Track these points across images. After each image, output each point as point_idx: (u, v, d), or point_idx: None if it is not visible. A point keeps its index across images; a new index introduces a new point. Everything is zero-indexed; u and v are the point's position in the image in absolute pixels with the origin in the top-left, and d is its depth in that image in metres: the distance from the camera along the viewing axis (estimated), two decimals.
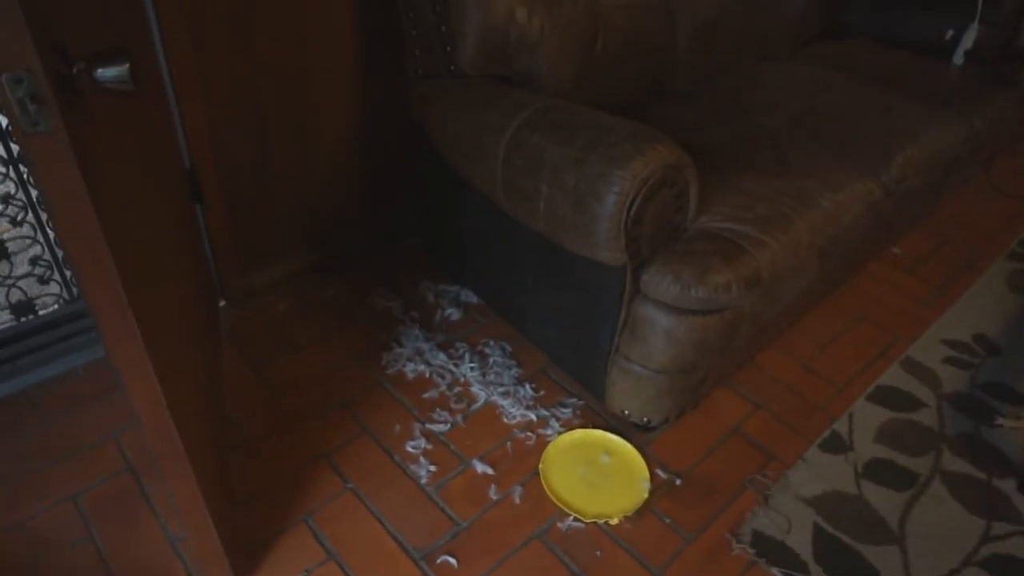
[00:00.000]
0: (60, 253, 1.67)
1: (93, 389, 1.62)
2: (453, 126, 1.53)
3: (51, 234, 1.64)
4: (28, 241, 1.64)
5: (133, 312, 0.87)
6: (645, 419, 1.51)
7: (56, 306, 1.70)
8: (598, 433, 1.59)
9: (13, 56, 0.66)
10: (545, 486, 1.48)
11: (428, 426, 1.59)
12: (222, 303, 1.89)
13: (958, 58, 2.29)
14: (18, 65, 0.67)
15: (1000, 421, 1.70)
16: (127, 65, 0.76)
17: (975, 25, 2.25)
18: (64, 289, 1.71)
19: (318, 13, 1.69)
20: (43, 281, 1.69)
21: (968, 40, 2.27)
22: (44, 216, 1.62)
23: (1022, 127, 2.80)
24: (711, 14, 1.99)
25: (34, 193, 1.58)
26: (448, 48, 1.60)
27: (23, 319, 1.67)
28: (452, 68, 1.61)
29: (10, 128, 0.73)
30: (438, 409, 1.63)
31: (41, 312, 1.69)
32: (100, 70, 0.77)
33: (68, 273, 1.70)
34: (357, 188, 2.02)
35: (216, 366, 1.62)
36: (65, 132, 0.71)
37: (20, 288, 1.65)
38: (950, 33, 2.32)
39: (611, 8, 1.74)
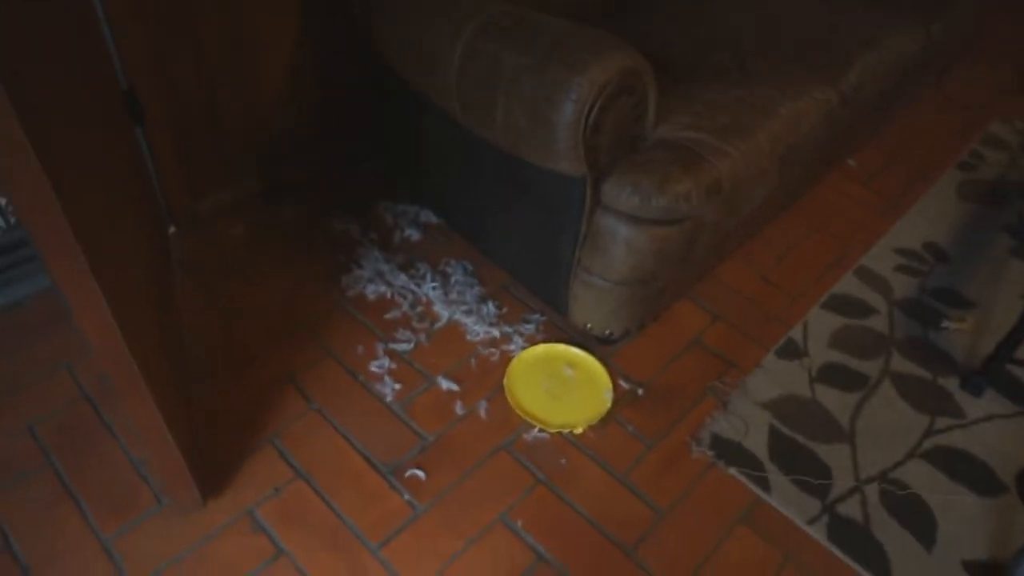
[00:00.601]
0: None
1: (41, 319, 1.57)
2: (403, 36, 1.47)
3: None
4: None
5: (75, 233, 0.83)
6: (607, 331, 1.53)
7: None
8: (561, 347, 1.61)
9: None
10: (510, 399, 1.50)
11: (391, 346, 1.59)
12: (172, 229, 1.83)
13: None
14: None
15: (945, 324, 1.76)
16: None
17: None
18: (2, 217, 1.63)
19: None
20: None
21: None
22: None
23: (976, 36, 2.81)
24: None
25: None
26: None
27: None
28: None
29: None
30: (401, 329, 1.63)
31: None
32: None
33: (3, 200, 1.62)
34: (309, 108, 1.94)
35: (169, 293, 1.58)
36: None
37: None
38: None
39: None
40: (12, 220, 1.64)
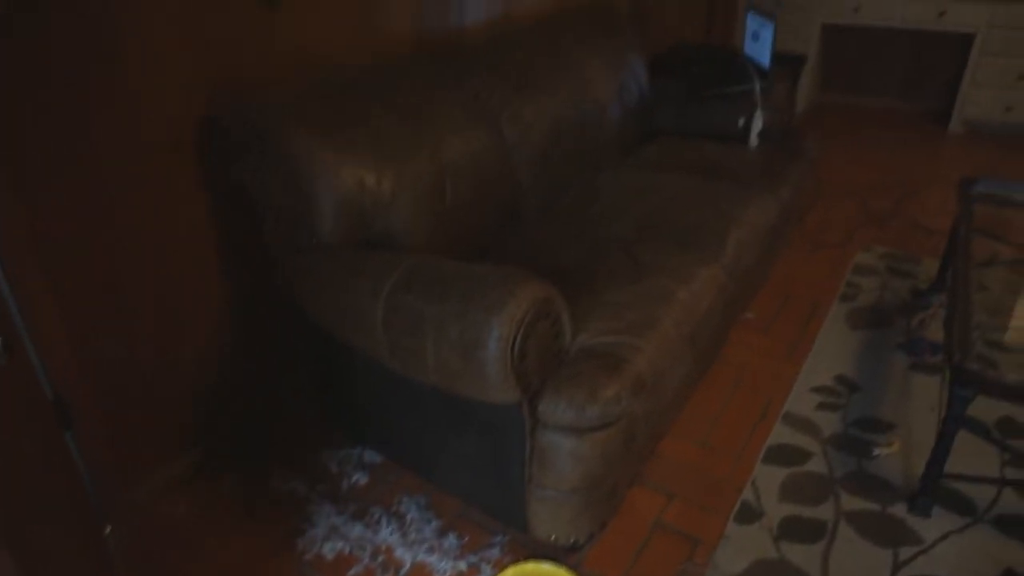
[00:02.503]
0: None
1: None
2: (326, 298, 1.57)
3: None
4: None
5: None
6: (572, 539, 1.54)
7: None
8: (530, 565, 1.59)
9: None
10: None
11: None
12: (108, 529, 1.75)
13: (753, 141, 2.64)
14: None
15: (876, 452, 1.87)
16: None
17: (759, 112, 2.62)
18: None
19: (175, 216, 1.70)
20: None
21: (758, 124, 2.62)
22: None
23: (817, 187, 3.23)
24: (544, 144, 2.19)
25: None
26: (307, 223, 1.65)
27: None
28: (315, 241, 1.66)
29: None
30: None
31: None
32: None
33: None
34: (238, 370, 1.98)
35: None
36: None
37: None
38: (741, 121, 2.68)
39: (454, 160, 1.87)
40: None
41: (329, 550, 1.65)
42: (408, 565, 1.61)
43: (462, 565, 1.60)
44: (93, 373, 1.64)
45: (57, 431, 1.58)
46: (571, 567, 1.58)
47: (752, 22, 2.99)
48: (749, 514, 1.71)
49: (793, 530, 1.67)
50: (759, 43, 2.91)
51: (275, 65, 1.83)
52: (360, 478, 1.84)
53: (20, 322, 1.48)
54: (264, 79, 1.81)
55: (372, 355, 1.53)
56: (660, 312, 1.62)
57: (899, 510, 1.71)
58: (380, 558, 1.63)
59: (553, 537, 1.54)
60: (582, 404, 1.35)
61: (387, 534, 1.67)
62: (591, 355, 1.46)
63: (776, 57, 2.86)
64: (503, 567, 1.59)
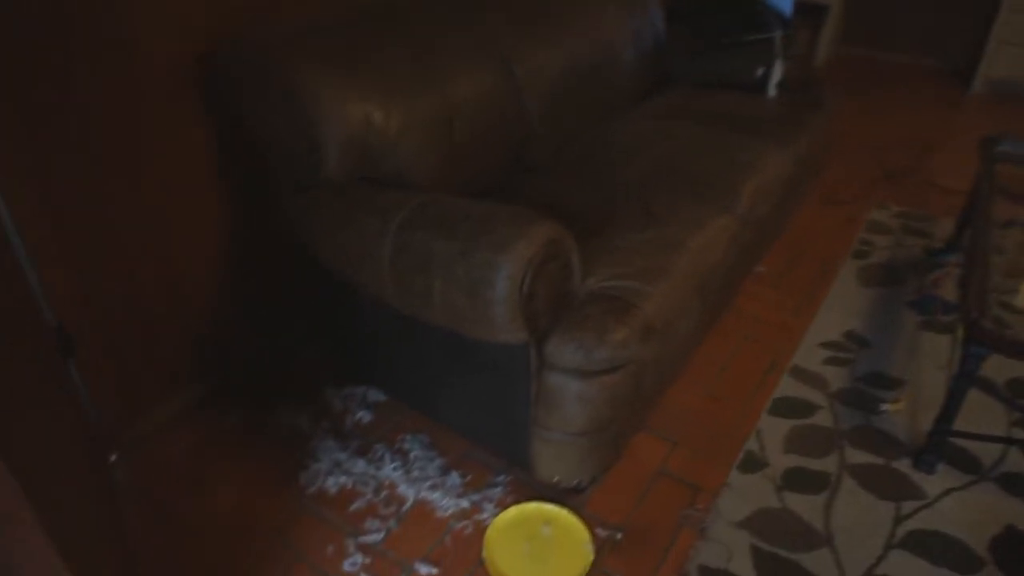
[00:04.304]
0: None
1: None
2: (331, 237, 1.54)
3: None
4: None
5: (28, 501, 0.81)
6: (576, 482, 1.54)
7: None
8: (533, 506, 1.60)
9: None
10: (493, 572, 1.46)
11: (361, 539, 1.54)
12: (113, 457, 1.76)
13: (772, 91, 2.56)
14: None
15: (883, 407, 1.86)
16: None
17: (779, 61, 2.54)
18: None
19: (177, 144, 1.66)
20: None
21: (777, 74, 2.55)
22: None
23: (838, 138, 3.15)
24: (555, 86, 2.13)
25: None
26: (312, 160, 1.61)
27: None
28: (320, 178, 1.62)
29: None
30: (368, 519, 1.59)
31: None
32: None
33: None
34: (241, 304, 1.96)
35: (119, 527, 1.50)
36: None
37: None
38: (760, 71, 2.60)
39: (462, 98, 1.82)
40: None
41: (332, 484, 1.66)
42: (411, 501, 1.62)
43: (464, 503, 1.60)
44: (95, 307, 1.62)
45: (58, 358, 1.57)
46: (573, 509, 1.58)
47: None
48: (753, 464, 1.71)
49: (796, 481, 1.66)
50: None
51: None
52: (364, 416, 1.84)
53: (21, 249, 1.46)
54: (267, 12, 1.75)
55: (378, 294, 1.51)
56: (671, 260, 1.59)
57: (903, 465, 1.70)
58: (383, 494, 1.64)
59: (556, 479, 1.54)
60: (590, 347, 1.33)
61: (390, 471, 1.68)
62: (600, 299, 1.44)
63: (798, 6, 2.77)
64: (506, 506, 1.60)
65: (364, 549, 1.52)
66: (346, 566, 1.49)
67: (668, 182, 1.91)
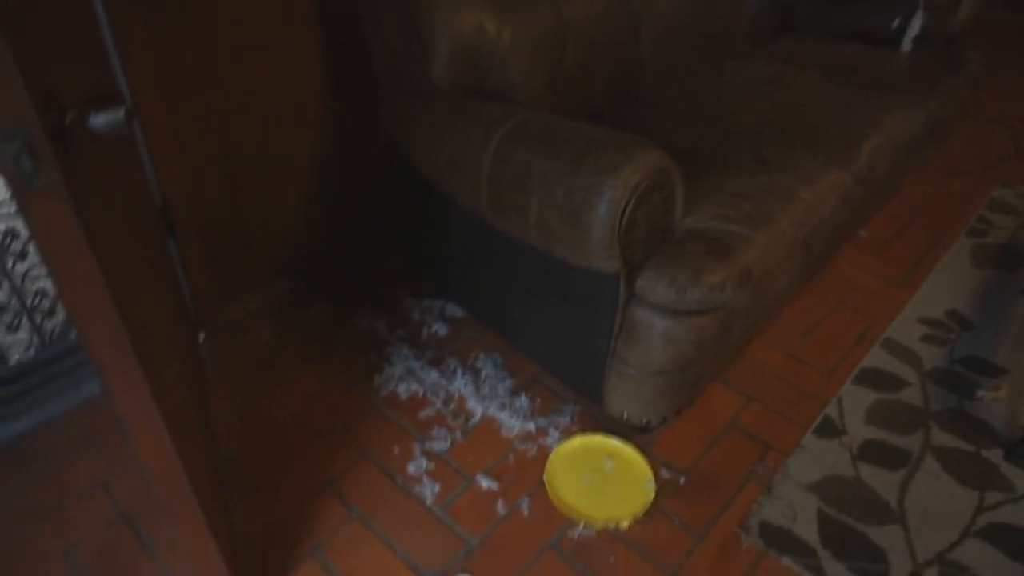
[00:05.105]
0: (28, 300, 1.61)
1: (74, 437, 1.56)
2: (432, 143, 1.52)
3: (17, 281, 1.58)
4: None
5: (138, 361, 0.85)
6: (645, 421, 1.52)
7: (24, 354, 1.63)
8: (599, 438, 1.60)
9: (7, 110, 0.64)
10: (552, 496, 1.47)
11: (428, 445, 1.58)
12: (202, 336, 1.84)
13: (906, 45, 2.36)
14: (13, 119, 0.64)
15: (981, 394, 1.75)
16: (122, 111, 0.73)
17: (920, 12, 2.33)
18: (35, 335, 1.64)
19: (281, 42, 1.66)
20: (11, 329, 1.62)
21: (915, 28, 2.34)
22: (10, 263, 1.55)
23: (971, 106, 2.90)
24: (673, 18, 2.02)
25: None
26: (420, 65, 1.58)
27: None
28: (425, 84, 1.60)
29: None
30: (436, 427, 1.62)
31: (11, 361, 1.62)
32: (92, 118, 0.74)
33: (39, 318, 1.64)
34: (333, 210, 1.99)
35: (205, 402, 1.58)
36: (66, 188, 0.68)
37: None
38: (896, 22, 2.39)
39: (577, 18, 1.74)
40: (46, 339, 1.66)
41: (404, 390, 1.69)
42: (478, 416, 1.64)
43: (531, 426, 1.61)
44: (197, 194, 1.66)
45: (163, 234, 1.64)
46: (639, 447, 1.57)
47: None
48: (830, 430, 1.65)
49: (874, 453, 1.60)
50: None
51: None
52: (440, 329, 1.86)
53: (138, 127, 1.50)
54: None
55: (471, 207, 1.49)
56: (779, 209, 1.51)
57: (994, 455, 1.61)
58: (452, 405, 1.67)
59: (626, 415, 1.52)
60: (684, 285, 1.29)
61: (461, 385, 1.70)
62: (700, 238, 1.38)
63: None
64: (571, 435, 1.60)
65: (429, 455, 1.56)
66: (410, 468, 1.53)
67: (784, 130, 1.80)
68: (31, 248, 1.57)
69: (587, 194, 1.21)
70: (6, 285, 1.57)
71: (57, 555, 1.35)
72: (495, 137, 1.37)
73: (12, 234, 1.53)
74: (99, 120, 0.74)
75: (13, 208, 1.48)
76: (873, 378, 1.79)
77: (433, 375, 1.72)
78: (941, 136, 2.42)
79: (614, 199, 1.20)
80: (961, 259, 2.23)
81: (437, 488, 1.49)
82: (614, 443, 1.58)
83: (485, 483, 1.50)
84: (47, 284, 1.62)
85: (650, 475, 1.52)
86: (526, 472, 1.53)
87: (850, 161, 1.72)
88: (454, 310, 1.92)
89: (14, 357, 1.62)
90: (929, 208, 2.46)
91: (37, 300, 1.62)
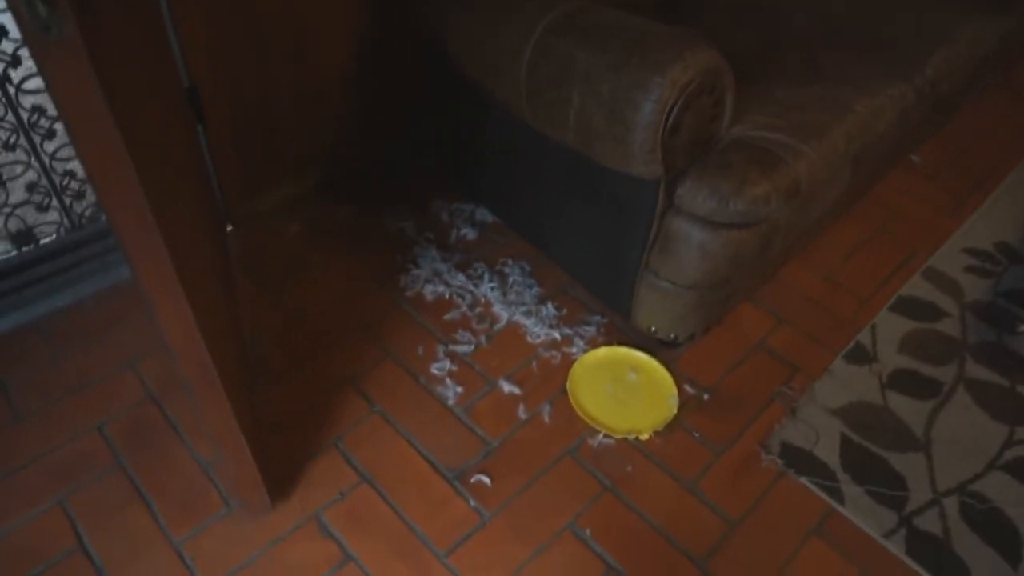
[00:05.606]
0: (57, 179, 1.60)
1: (104, 319, 1.58)
2: (470, 35, 1.44)
3: (46, 159, 1.56)
4: (21, 167, 1.56)
5: (161, 234, 0.82)
6: (672, 335, 1.50)
7: (54, 235, 1.64)
8: (624, 350, 1.58)
9: None
10: (574, 404, 1.47)
11: (452, 347, 1.57)
12: (229, 227, 1.83)
13: None
14: None
15: (1022, 328, 1.70)
16: None
17: None
18: (64, 216, 1.64)
19: None
20: (41, 208, 1.62)
21: None
22: (38, 140, 1.53)
23: None
24: None
25: (24, 115, 1.49)
26: None
27: (24, 248, 1.61)
28: None
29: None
30: (460, 330, 1.61)
31: (42, 241, 1.62)
32: None
33: (68, 200, 1.63)
34: (365, 104, 1.92)
35: (231, 292, 1.58)
36: (81, 38, 0.64)
37: (19, 216, 1.58)
38: None
39: None
40: (76, 219, 1.65)
41: (430, 292, 1.68)
42: (503, 322, 1.62)
43: (556, 334, 1.60)
44: (226, 84, 1.61)
45: (191, 119, 1.59)
46: (664, 362, 1.55)
47: None
48: (861, 356, 1.61)
49: (905, 382, 1.57)
50: None
51: None
52: (469, 233, 1.83)
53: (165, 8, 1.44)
54: None
55: (509, 104, 1.43)
56: (832, 121, 1.42)
57: None
58: (478, 309, 1.65)
59: (653, 329, 1.50)
60: (727, 196, 1.23)
61: (488, 289, 1.68)
62: (746, 147, 1.31)
63: None
64: (596, 346, 1.58)
65: (452, 357, 1.55)
66: (433, 368, 1.53)
67: (843, 37, 1.68)
68: (59, 127, 1.54)
69: (632, 91, 1.14)
70: (35, 163, 1.56)
71: (90, 430, 1.38)
72: (537, 27, 1.28)
73: (40, 111, 1.50)
74: None
75: (40, 82, 1.45)
76: (910, 307, 1.74)
77: (460, 278, 1.70)
78: (1016, 57, 2.26)
79: (660, 99, 1.12)
80: (1018, 191, 2.12)
81: (460, 390, 1.49)
82: (639, 356, 1.56)
83: (507, 387, 1.50)
84: (76, 166, 1.60)
85: (674, 390, 1.51)
86: (549, 380, 1.53)
87: (913, 74, 1.61)
88: (484, 215, 1.88)
89: (45, 237, 1.62)
90: (989, 136, 2.33)
91: (66, 181, 1.61)
